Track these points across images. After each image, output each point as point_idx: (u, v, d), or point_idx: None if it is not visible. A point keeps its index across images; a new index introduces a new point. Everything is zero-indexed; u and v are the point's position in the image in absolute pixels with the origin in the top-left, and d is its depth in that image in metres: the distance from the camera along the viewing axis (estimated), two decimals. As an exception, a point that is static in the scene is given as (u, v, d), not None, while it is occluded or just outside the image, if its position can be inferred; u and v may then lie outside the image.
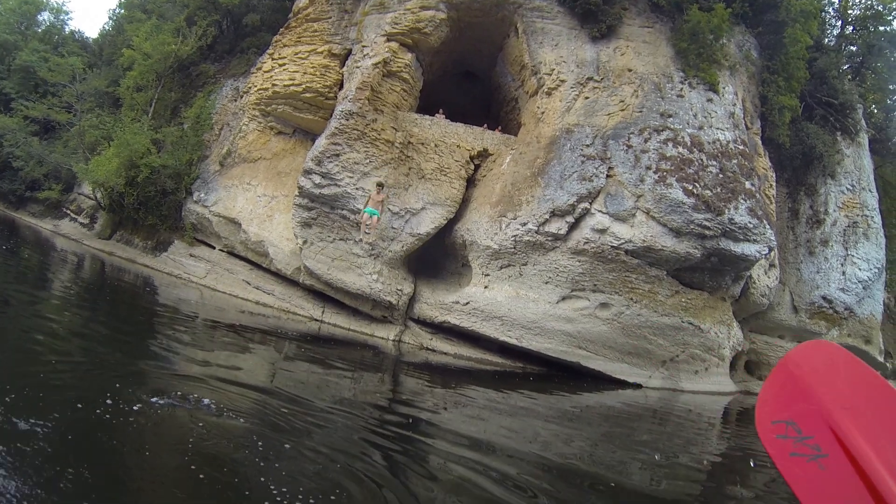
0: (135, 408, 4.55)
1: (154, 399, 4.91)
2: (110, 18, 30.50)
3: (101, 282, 14.37)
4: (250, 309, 14.26)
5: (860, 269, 16.96)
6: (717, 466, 7.01)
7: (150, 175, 18.10)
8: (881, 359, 19.51)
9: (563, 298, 12.51)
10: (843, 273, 16.66)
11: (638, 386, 13.03)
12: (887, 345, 20.67)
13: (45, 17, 32.46)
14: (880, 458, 0.86)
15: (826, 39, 20.09)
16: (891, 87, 21.28)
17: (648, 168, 12.82)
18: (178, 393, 5.27)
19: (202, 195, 17.62)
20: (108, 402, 4.49)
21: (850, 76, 19.31)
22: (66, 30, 32.56)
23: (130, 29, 22.88)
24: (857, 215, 17.38)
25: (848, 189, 17.49)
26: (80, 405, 4.32)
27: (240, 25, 20.97)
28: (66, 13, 33.33)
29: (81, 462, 3.36)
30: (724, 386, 14.37)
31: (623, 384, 12.95)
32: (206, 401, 5.15)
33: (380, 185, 13.21)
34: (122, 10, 28.39)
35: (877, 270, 17.55)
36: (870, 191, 18.12)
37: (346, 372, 9.27)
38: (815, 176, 16.95)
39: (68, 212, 24.46)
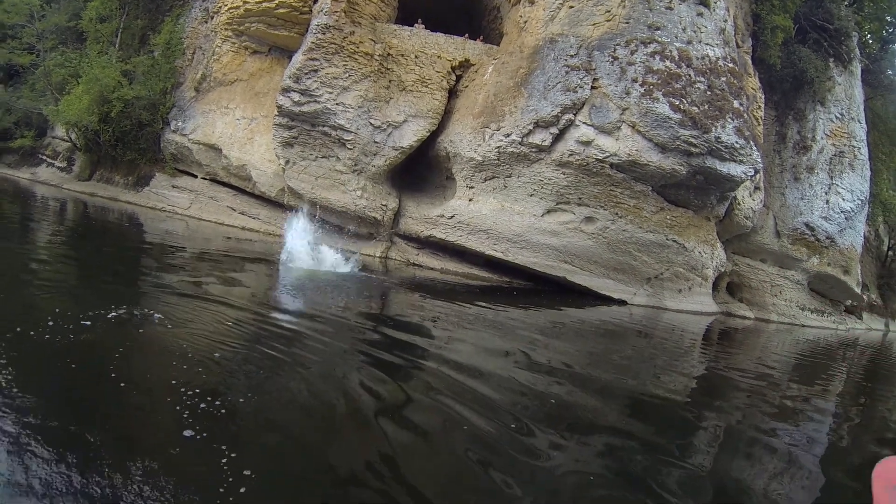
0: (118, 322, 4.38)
1: (136, 313, 4.76)
2: None
3: (85, 225, 13.93)
4: (237, 235, 14.06)
5: (844, 200, 16.99)
6: (700, 386, 6.98)
7: (124, 109, 17.50)
8: (858, 290, 19.86)
9: (549, 211, 12.38)
10: (827, 202, 16.69)
11: (623, 302, 13.08)
12: (865, 277, 21.02)
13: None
14: None
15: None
16: (888, 17, 20.78)
17: (634, 81, 12.48)
18: (163, 310, 5.11)
19: (180, 123, 17.12)
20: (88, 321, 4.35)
21: (847, 2, 18.80)
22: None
23: None
24: (845, 145, 17.27)
25: (837, 117, 17.31)
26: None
27: (206, -58, 19.70)
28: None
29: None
30: (706, 306, 14.52)
31: (608, 300, 13.00)
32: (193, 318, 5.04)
33: None
34: None
35: (860, 202, 17.59)
36: (859, 121, 17.97)
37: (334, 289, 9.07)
38: (804, 101, 16.71)
39: (44, 157, 23.69)
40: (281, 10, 15.09)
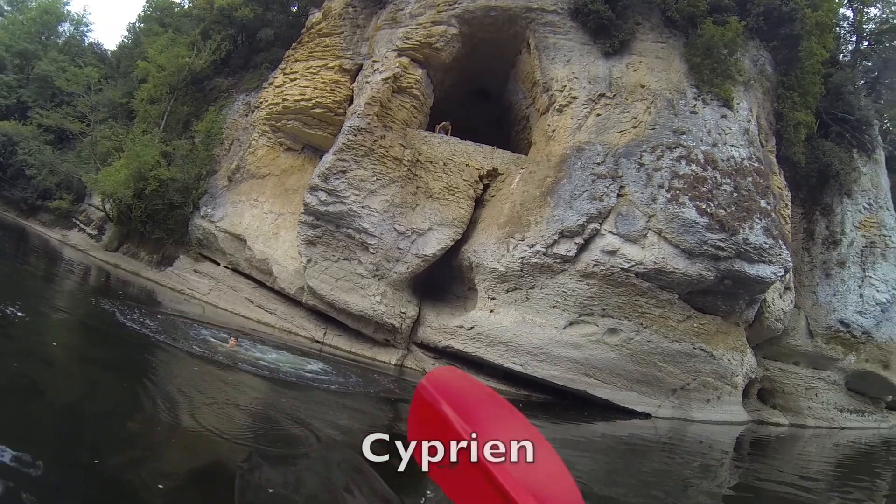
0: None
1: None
2: (129, 31, 30.57)
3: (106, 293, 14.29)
4: (252, 327, 14.09)
5: (878, 291, 16.45)
6: (730, 500, 6.69)
7: (159, 188, 18.14)
8: (900, 384, 18.91)
9: (571, 323, 12.21)
10: (861, 295, 16.18)
11: (647, 415, 12.62)
12: (906, 369, 20.05)
13: (65, 27, 32.96)
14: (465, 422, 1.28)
15: (841, 55, 19.76)
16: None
17: (661, 186, 12.54)
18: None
19: (209, 210, 17.61)
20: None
21: (865, 92, 18.93)
22: (86, 41, 32.96)
23: (147, 42, 23.16)
24: (875, 235, 16.91)
25: (865, 208, 17.04)
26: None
27: (254, 40, 21.07)
28: (87, 25, 33.82)
29: None
30: (736, 415, 13.91)
31: (631, 413, 12.55)
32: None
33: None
34: (141, 24, 28.80)
35: (895, 292, 17.05)
36: (888, 209, 17.64)
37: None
38: (831, 195, 16.55)
39: (77, 222, 24.61)
40: (317, 111, 15.88)
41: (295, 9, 21.80)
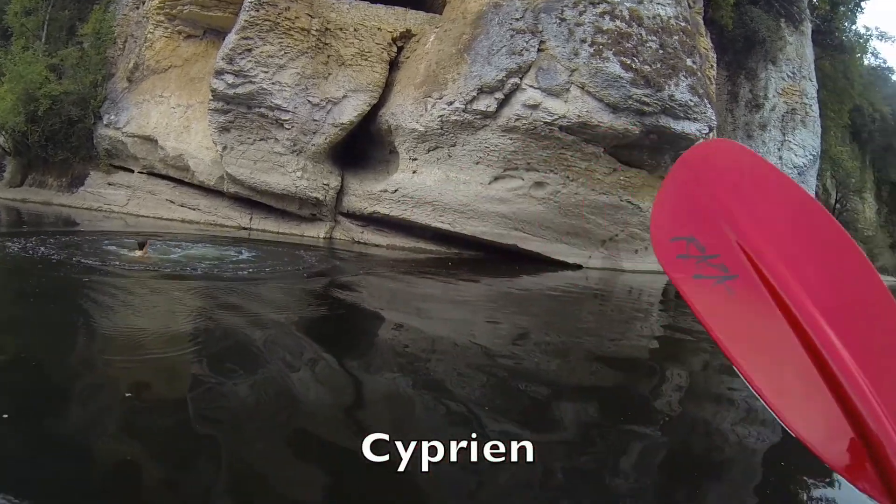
0: None
1: None
2: None
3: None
4: (176, 229, 13.39)
5: (796, 155, 17.15)
6: (661, 345, 6.89)
7: (53, 106, 16.44)
8: (808, 244, 20.18)
9: (496, 178, 12.03)
10: (780, 158, 16.81)
11: (578, 267, 12.89)
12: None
13: None
14: (795, 276, 0.70)
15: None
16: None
17: (583, 41, 12.13)
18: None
19: (112, 117, 16.29)
20: None
21: (798, -39, 18.77)
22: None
23: None
24: (797, 102, 17.38)
25: (789, 76, 17.37)
26: None
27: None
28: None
29: None
30: (662, 265, 14.44)
31: (564, 265, 12.77)
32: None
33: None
34: None
35: (812, 157, 17.81)
36: (810, 79, 18.08)
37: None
38: (756, 61, 16.69)
39: (-30, 165, 22.18)
40: None
41: None
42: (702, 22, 15.04)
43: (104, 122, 16.37)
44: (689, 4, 14.54)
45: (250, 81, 12.90)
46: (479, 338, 5.77)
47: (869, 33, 24.85)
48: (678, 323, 9.21)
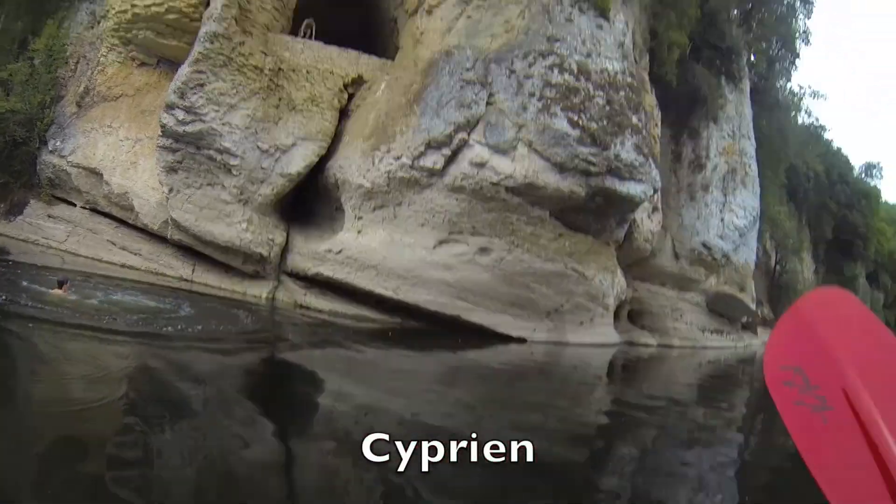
0: None
1: None
2: None
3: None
4: (115, 273, 12.46)
5: (737, 217, 17.56)
6: (610, 420, 6.98)
7: None
8: (753, 306, 20.85)
9: (441, 242, 11.48)
10: (722, 220, 17.13)
11: (523, 340, 12.45)
12: (758, 293, 22.23)
13: None
14: (886, 420, 0.80)
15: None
16: (775, 39, 21.99)
17: (532, 95, 11.78)
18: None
19: (58, 143, 14.78)
20: None
21: (738, 22, 19.52)
22: None
23: None
24: (737, 161, 17.89)
25: (729, 134, 17.86)
26: None
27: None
28: None
29: None
30: (609, 337, 14.22)
31: (507, 339, 12.27)
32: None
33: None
34: None
35: (752, 218, 18.35)
36: (749, 138, 18.73)
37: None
38: (698, 119, 17.04)
39: None
40: (171, 16, 13.31)
41: None
42: (647, 78, 15.11)
43: (49, 148, 14.89)
44: (635, 59, 14.58)
45: (200, 119, 12.00)
46: (419, 410, 5.74)
47: (803, 91, 26.31)
48: (626, 398, 9.23)
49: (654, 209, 15.14)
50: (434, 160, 11.18)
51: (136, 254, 13.63)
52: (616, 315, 15.17)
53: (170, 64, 14.23)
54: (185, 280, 12.96)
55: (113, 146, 14.11)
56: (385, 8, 14.88)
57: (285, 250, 12.99)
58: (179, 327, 7.41)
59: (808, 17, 22.30)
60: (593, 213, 12.57)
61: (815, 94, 26.32)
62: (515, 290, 12.15)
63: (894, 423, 0.78)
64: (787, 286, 25.84)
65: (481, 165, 11.15)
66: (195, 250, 13.04)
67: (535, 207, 11.67)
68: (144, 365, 5.63)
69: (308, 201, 13.74)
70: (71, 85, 15.46)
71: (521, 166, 11.29)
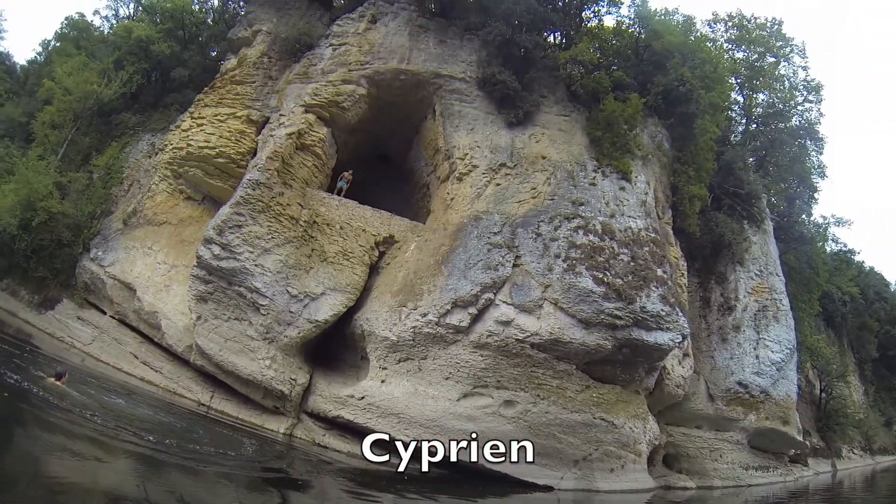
0: None
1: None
2: (42, 48, 27.83)
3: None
4: (135, 385, 12.95)
5: (773, 352, 17.21)
6: None
7: (48, 221, 16.53)
8: (800, 438, 19.65)
9: (465, 395, 11.69)
10: (757, 357, 16.85)
11: (549, 488, 12.09)
12: (804, 423, 21.02)
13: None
14: None
15: (732, 136, 21.59)
16: (791, 178, 22.88)
17: (557, 256, 12.59)
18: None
19: (100, 253, 16.31)
20: None
21: (754, 169, 20.60)
22: (-5, 49, 30.11)
23: (58, 61, 21.57)
24: (767, 299, 17.89)
25: (756, 274, 18.09)
26: None
27: (167, 79, 20.28)
28: (-1, 31, 30.96)
29: None
30: (642, 482, 13.64)
31: (533, 487, 11.99)
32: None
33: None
34: (56, 43, 26.68)
35: (788, 351, 17.89)
36: (777, 275, 18.85)
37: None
38: (724, 264, 17.45)
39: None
40: (220, 160, 15.37)
41: (214, 53, 21.28)
42: (671, 232, 15.95)
43: (90, 256, 16.35)
44: (658, 215, 15.46)
45: (235, 258, 12.95)
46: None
47: (826, 221, 26.69)
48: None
49: (685, 355, 15.16)
50: (460, 318, 11.83)
51: (157, 371, 14.08)
52: (650, 460, 14.67)
53: (213, 202, 15.87)
54: (203, 405, 13.15)
55: (150, 267, 15.25)
56: (419, 174, 16.46)
57: (307, 391, 13.20)
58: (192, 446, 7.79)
59: (821, 153, 22.99)
60: (621, 363, 12.69)
61: (839, 222, 26.55)
62: (541, 440, 11.97)
63: None
64: (836, 412, 24.61)
65: (507, 324, 11.75)
66: (215, 378, 13.28)
67: (561, 362, 11.97)
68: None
69: (333, 347, 14.19)
70: (121, 203, 17.23)
71: (546, 324, 11.82)
